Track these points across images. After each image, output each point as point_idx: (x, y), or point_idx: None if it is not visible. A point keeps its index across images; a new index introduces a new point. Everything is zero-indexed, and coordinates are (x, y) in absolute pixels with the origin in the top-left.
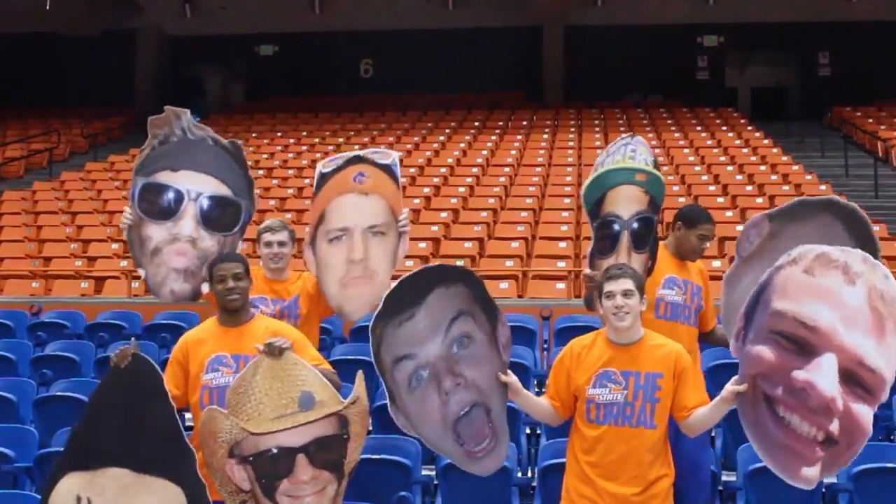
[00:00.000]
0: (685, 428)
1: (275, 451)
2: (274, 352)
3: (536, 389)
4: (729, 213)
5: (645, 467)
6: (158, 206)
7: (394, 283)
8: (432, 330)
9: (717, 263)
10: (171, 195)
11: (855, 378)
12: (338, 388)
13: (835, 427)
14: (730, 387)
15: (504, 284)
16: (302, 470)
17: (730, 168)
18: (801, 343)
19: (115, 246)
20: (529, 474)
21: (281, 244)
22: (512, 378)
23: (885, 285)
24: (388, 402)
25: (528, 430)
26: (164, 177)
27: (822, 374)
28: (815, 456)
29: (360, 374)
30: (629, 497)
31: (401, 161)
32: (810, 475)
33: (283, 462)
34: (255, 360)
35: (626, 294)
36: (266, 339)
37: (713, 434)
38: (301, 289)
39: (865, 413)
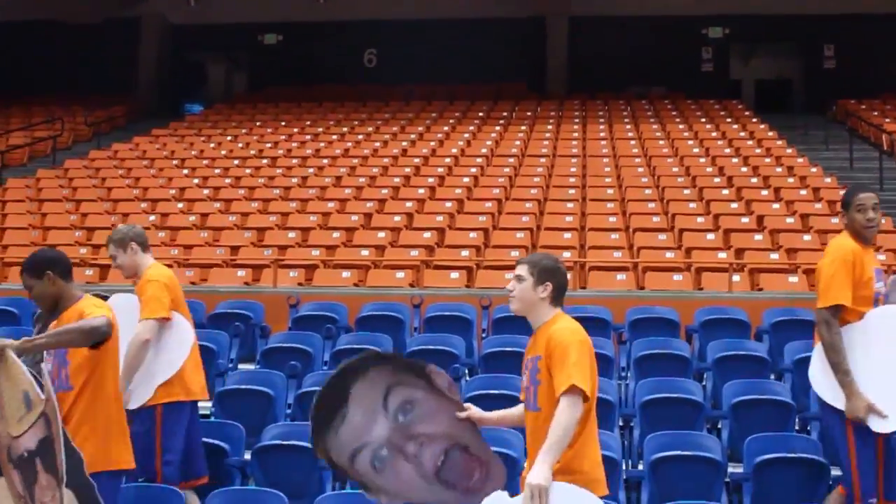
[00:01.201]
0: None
1: (25, 454)
2: None
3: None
4: (734, 205)
5: (537, 449)
6: None
7: (315, 396)
8: (370, 416)
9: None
10: None
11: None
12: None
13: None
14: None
15: (509, 275)
16: (42, 475)
17: (734, 160)
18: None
19: None
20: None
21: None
22: (471, 411)
23: None
24: (364, 494)
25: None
26: None
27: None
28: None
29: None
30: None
31: (404, 151)
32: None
33: (31, 467)
34: None
35: (516, 279)
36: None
37: (719, 425)
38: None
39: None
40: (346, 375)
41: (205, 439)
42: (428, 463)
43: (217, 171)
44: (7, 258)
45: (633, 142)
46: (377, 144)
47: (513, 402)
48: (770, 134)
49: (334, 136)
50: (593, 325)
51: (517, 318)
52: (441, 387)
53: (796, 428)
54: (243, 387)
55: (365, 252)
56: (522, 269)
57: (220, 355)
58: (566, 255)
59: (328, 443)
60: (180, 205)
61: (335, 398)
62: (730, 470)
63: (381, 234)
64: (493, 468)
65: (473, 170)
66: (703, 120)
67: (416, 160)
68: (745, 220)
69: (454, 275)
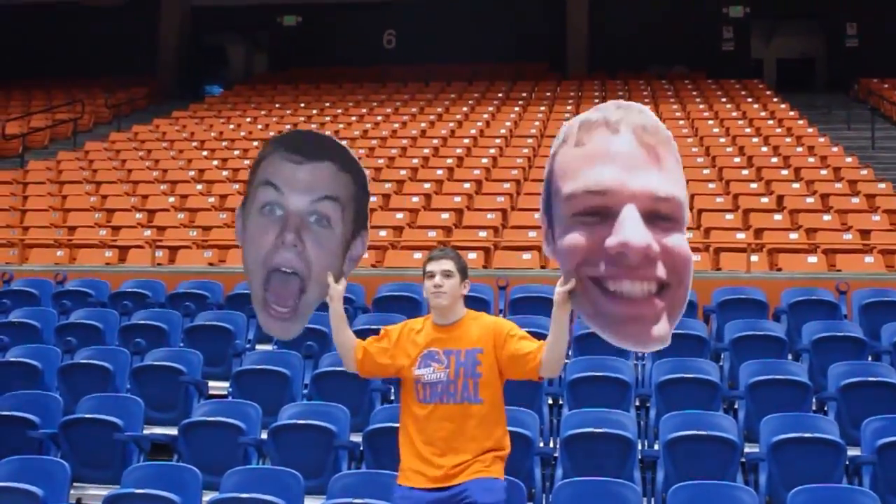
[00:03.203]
0: (544, 370)
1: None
2: None
3: None
4: (753, 185)
5: (477, 441)
6: None
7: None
8: (306, 188)
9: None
10: None
11: (656, 214)
12: None
13: (661, 271)
14: (558, 289)
15: (527, 255)
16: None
17: (755, 140)
18: (599, 211)
19: (138, 216)
20: (552, 444)
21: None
22: (338, 287)
23: (644, 119)
24: (239, 205)
25: (549, 401)
26: None
27: (629, 228)
28: (657, 310)
29: None
30: (454, 466)
31: (423, 132)
32: (661, 332)
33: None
34: None
35: (445, 274)
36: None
37: (735, 406)
38: None
39: (679, 241)
40: (337, 150)
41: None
42: (278, 259)
43: (236, 152)
44: (28, 240)
45: None
46: (396, 125)
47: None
48: (791, 114)
49: (353, 118)
50: None
51: (534, 298)
52: (353, 250)
53: (813, 408)
54: (260, 367)
55: (383, 233)
56: (450, 265)
57: (238, 336)
58: None
59: (275, 155)
60: (199, 186)
61: (313, 147)
62: (746, 450)
63: (399, 216)
64: (295, 321)
65: (492, 150)
66: (724, 100)
67: (435, 141)
68: (764, 199)
69: (472, 255)
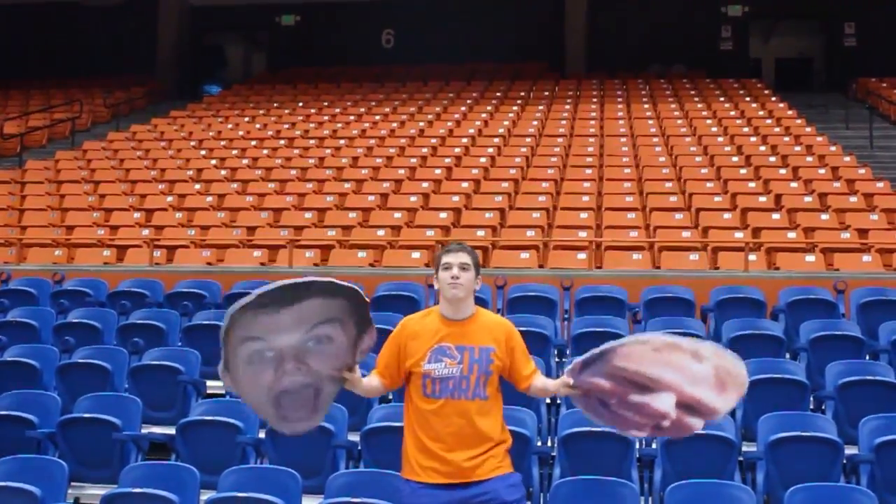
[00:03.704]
0: (529, 393)
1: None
2: None
3: (557, 360)
4: (752, 185)
5: (485, 435)
6: None
7: (274, 285)
8: (294, 326)
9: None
10: None
11: (691, 408)
12: None
13: (666, 423)
14: (564, 389)
15: (525, 255)
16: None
17: (753, 139)
18: (642, 385)
19: (137, 215)
20: (550, 444)
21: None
22: (355, 375)
23: (734, 367)
24: (220, 364)
25: (547, 401)
26: None
27: (659, 401)
28: (645, 432)
29: None
30: (468, 460)
31: (422, 132)
32: (639, 435)
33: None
34: None
35: (462, 267)
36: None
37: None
38: None
39: (696, 422)
40: (319, 287)
41: (211, 416)
42: (286, 383)
43: (234, 152)
44: (26, 239)
45: (650, 121)
46: (394, 125)
47: None
48: (789, 113)
49: (352, 117)
50: (608, 304)
51: (532, 297)
52: (361, 345)
53: (811, 407)
54: None
55: (381, 232)
56: (467, 259)
57: None
58: (582, 234)
59: (245, 317)
60: (197, 186)
61: (290, 296)
62: (744, 449)
63: (398, 215)
64: (314, 417)
65: (490, 150)
66: (722, 99)
67: (434, 140)
68: (762, 199)
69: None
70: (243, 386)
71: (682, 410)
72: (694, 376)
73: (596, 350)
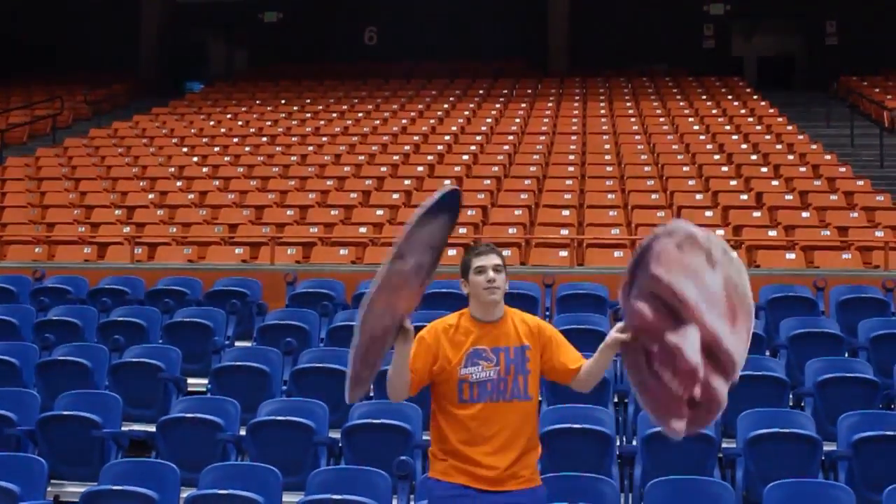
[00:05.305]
0: (577, 385)
1: None
2: None
3: None
4: (733, 182)
5: (522, 439)
6: None
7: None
8: (435, 245)
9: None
10: None
11: (713, 354)
12: None
13: (697, 392)
14: (614, 333)
15: (507, 252)
16: None
17: (735, 137)
18: (673, 310)
19: (118, 212)
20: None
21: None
22: (412, 328)
23: (739, 279)
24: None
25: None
26: None
27: (689, 343)
28: (682, 412)
29: None
30: (504, 467)
31: (404, 129)
32: (678, 427)
33: None
34: None
35: (496, 269)
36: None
37: None
38: None
39: (721, 387)
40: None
41: (192, 414)
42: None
43: (216, 149)
44: (6, 236)
45: (633, 119)
46: (377, 122)
47: None
48: (771, 111)
49: (334, 114)
50: (590, 301)
51: (515, 293)
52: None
53: (790, 404)
54: (239, 363)
55: (363, 229)
56: (498, 260)
57: (217, 332)
58: (564, 232)
59: (415, 228)
60: (179, 183)
61: (452, 219)
62: (723, 445)
63: (380, 212)
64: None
65: (473, 147)
66: (704, 97)
67: (416, 138)
68: (743, 196)
69: (451, 252)
70: (374, 311)
71: (707, 362)
72: (710, 294)
73: (637, 249)
